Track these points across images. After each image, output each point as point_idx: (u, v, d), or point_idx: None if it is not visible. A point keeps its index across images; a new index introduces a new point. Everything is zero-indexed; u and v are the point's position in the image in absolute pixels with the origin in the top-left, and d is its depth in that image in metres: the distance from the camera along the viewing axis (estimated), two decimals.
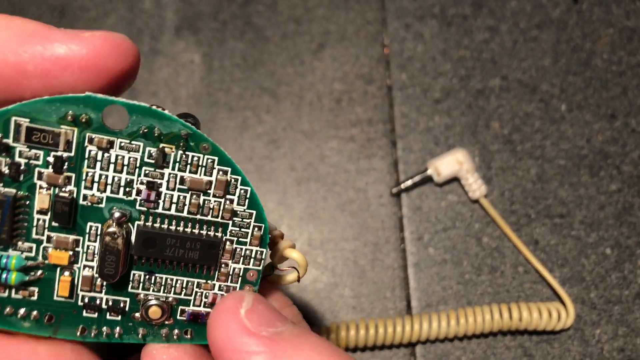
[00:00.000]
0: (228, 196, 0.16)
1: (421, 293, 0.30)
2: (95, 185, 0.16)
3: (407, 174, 0.32)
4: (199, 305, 0.17)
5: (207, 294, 0.17)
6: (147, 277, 0.17)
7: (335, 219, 0.31)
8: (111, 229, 0.16)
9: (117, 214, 0.16)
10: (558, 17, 0.34)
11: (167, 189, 0.16)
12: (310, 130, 0.33)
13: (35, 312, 0.16)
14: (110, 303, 0.17)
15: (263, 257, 0.17)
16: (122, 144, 0.16)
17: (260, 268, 0.17)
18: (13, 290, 0.16)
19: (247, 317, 0.15)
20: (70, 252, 0.16)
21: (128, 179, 0.16)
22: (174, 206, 0.16)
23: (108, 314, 0.17)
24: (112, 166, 0.16)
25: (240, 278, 0.17)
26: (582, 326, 0.30)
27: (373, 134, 0.33)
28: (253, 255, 0.17)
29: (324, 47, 0.34)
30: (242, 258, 0.17)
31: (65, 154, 0.15)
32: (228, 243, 0.17)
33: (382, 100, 0.33)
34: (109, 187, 0.16)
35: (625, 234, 0.31)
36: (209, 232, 0.17)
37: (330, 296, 0.30)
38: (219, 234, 0.17)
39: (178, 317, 0.17)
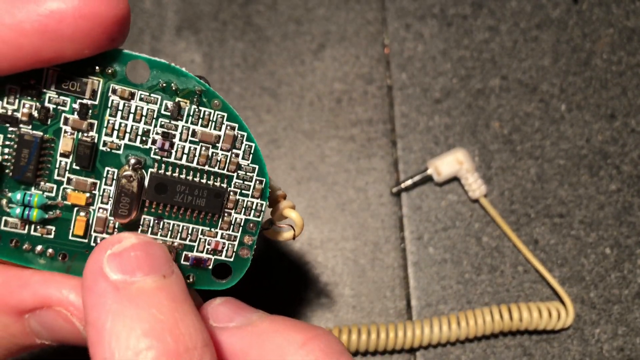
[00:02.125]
0: (234, 150, 0.18)
1: (421, 292, 0.30)
2: (115, 132, 0.17)
3: (407, 173, 0.32)
4: (202, 252, 0.19)
5: (210, 241, 0.19)
6: (156, 221, 0.18)
7: (335, 218, 0.31)
8: (127, 173, 0.17)
9: (133, 160, 0.17)
10: (558, 17, 0.34)
11: (180, 140, 0.17)
12: (311, 130, 0.33)
13: (50, 250, 0.18)
14: None
15: (263, 209, 0.19)
16: (142, 96, 0.17)
17: (260, 219, 0.19)
18: (32, 227, 0.17)
19: (108, 259, 0.16)
20: (88, 194, 0.18)
21: (145, 129, 0.17)
22: (185, 156, 0.18)
23: None
24: (131, 116, 0.17)
25: (241, 227, 0.19)
26: (581, 326, 0.30)
27: (373, 134, 0.33)
28: (254, 207, 0.19)
29: (324, 47, 0.34)
30: (243, 209, 0.18)
31: (90, 102, 0.17)
32: (232, 194, 0.18)
33: (382, 100, 0.33)
34: (127, 135, 0.17)
35: (625, 234, 0.31)
36: (215, 183, 0.18)
37: (330, 296, 0.30)
38: (224, 185, 0.18)
39: (182, 262, 0.19)
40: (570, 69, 0.34)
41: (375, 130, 0.33)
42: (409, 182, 0.32)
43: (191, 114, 0.17)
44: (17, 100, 0.16)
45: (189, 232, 0.18)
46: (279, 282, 0.31)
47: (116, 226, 0.18)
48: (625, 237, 0.31)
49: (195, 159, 0.18)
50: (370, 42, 0.34)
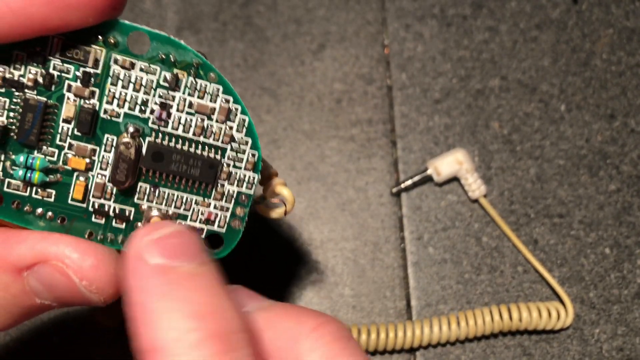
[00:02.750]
0: (228, 122, 0.18)
1: (421, 292, 0.31)
2: (116, 101, 0.18)
3: (407, 173, 0.32)
4: (195, 221, 0.19)
5: (203, 211, 0.19)
6: (152, 189, 0.19)
7: (335, 218, 0.32)
8: (125, 139, 0.18)
9: (131, 128, 0.18)
10: (558, 17, 0.34)
11: (177, 110, 0.18)
12: (311, 130, 0.33)
13: (50, 213, 0.18)
14: (117, 211, 0.19)
15: (255, 182, 0.19)
16: (142, 67, 0.17)
17: (252, 192, 0.19)
18: (34, 190, 0.18)
19: (148, 245, 0.16)
20: (87, 160, 0.18)
21: (144, 99, 0.18)
22: (181, 127, 0.18)
23: (114, 221, 0.19)
24: (131, 85, 0.18)
25: (233, 199, 0.19)
26: (581, 325, 0.30)
27: (373, 134, 0.33)
28: (246, 180, 0.19)
29: (324, 47, 0.34)
30: (236, 181, 0.19)
31: (92, 70, 0.17)
32: (225, 165, 0.19)
33: (382, 100, 0.33)
34: (127, 104, 0.18)
35: (625, 234, 0.31)
36: (209, 154, 0.19)
37: (330, 295, 0.31)
38: (218, 157, 0.19)
39: None
40: (570, 69, 0.34)
41: (375, 131, 0.33)
42: (409, 182, 0.32)
43: (188, 85, 0.18)
44: (23, 66, 0.17)
45: (183, 201, 0.19)
46: (278, 282, 0.31)
47: (114, 192, 0.18)
48: (625, 237, 0.31)
49: (191, 129, 0.18)
50: (370, 43, 0.34)
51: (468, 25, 0.34)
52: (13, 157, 0.18)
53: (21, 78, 0.17)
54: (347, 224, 0.31)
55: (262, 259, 0.31)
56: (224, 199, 0.19)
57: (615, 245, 0.31)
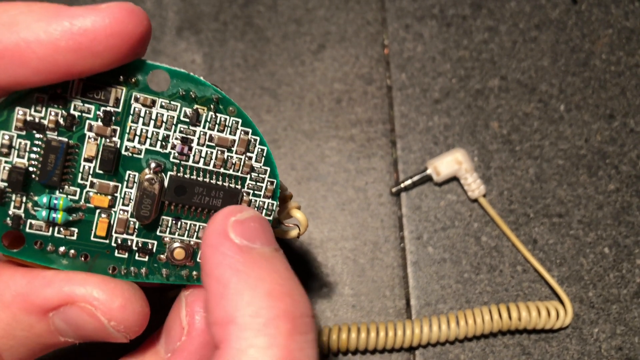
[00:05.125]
0: (248, 153, 0.19)
1: (420, 292, 0.31)
2: (137, 138, 0.18)
3: (407, 173, 0.32)
4: None
5: None
6: (174, 222, 0.19)
7: (335, 218, 0.32)
8: (149, 176, 0.18)
9: (153, 164, 0.18)
10: (557, 17, 0.35)
11: (198, 144, 0.18)
12: (311, 130, 0.33)
13: (73, 251, 0.18)
14: (140, 245, 0.19)
15: (274, 208, 0.20)
16: (163, 104, 0.18)
17: (271, 218, 0.20)
18: (56, 229, 0.18)
19: (232, 225, 0.17)
20: (110, 197, 0.18)
21: (165, 134, 0.18)
22: (202, 160, 0.19)
23: (137, 254, 0.19)
24: (152, 122, 0.18)
25: None
26: (580, 325, 0.30)
27: (373, 134, 0.33)
28: (265, 207, 0.20)
29: (324, 47, 0.34)
30: (256, 208, 0.20)
31: (113, 109, 0.17)
32: (245, 194, 0.19)
33: (382, 100, 0.33)
34: (148, 140, 0.18)
35: (624, 234, 0.31)
36: (230, 184, 0.19)
37: (330, 295, 0.31)
38: (239, 186, 0.19)
39: (198, 259, 0.20)
40: (569, 69, 0.34)
41: (375, 130, 0.33)
42: (409, 182, 0.32)
43: (208, 120, 0.18)
44: (44, 109, 0.17)
45: None
46: None
47: (136, 227, 0.19)
48: (624, 237, 0.31)
49: (212, 162, 0.19)
50: (370, 43, 0.34)
51: (468, 25, 0.34)
52: (35, 198, 0.18)
53: (42, 120, 0.17)
54: (346, 224, 0.32)
55: None
56: None
57: (614, 244, 0.31)
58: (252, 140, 0.19)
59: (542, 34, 0.34)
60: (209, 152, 0.18)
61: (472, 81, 0.34)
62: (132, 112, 0.18)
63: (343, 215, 0.32)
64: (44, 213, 0.18)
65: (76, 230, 0.18)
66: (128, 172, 0.18)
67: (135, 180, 0.18)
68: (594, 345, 0.30)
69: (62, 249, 0.18)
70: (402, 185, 0.32)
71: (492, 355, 0.30)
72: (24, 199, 0.17)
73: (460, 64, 0.34)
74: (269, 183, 0.19)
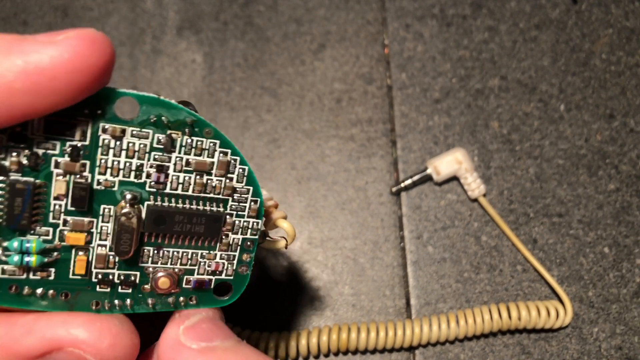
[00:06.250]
0: (228, 175, 0.18)
1: (420, 291, 0.31)
2: (109, 170, 0.17)
3: (407, 173, 0.32)
4: (203, 274, 0.19)
5: (210, 263, 0.19)
6: (155, 251, 0.18)
7: (335, 217, 0.32)
8: (126, 210, 0.17)
9: (128, 196, 0.17)
10: (557, 17, 0.35)
11: (175, 171, 0.17)
12: (311, 130, 0.33)
13: (52, 291, 0.17)
14: (122, 277, 0.18)
15: (259, 227, 0.19)
16: (134, 132, 0.17)
17: (257, 237, 0.19)
18: (32, 272, 0.17)
19: (184, 332, 0.17)
20: (86, 233, 0.17)
21: (138, 164, 0.17)
22: (180, 186, 0.18)
23: (120, 287, 0.18)
24: (124, 153, 0.17)
25: (239, 247, 0.19)
26: (580, 324, 0.30)
27: (373, 134, 0.33)
28: (250, 226, 0.19)
29: (324, 47, 0.34)
30: (240, 229, 0.19)
31: (80, 143, 0.16)
32: (229, 217, 0.18)
33: (382, 100, 0.33)
34: (121, 172, 0.17)
35: (623, 233, 0.31)
36: (212, 208, 0.18)
37: (330, 294, 0.31)
38: (221, 209, 0.18)
39: (184, 285, 0.19)
40: (570, 69, 0.34)
41: (375, 130, 0.33)
42: (409, 181, 0.32)
43: (184, 144, 0.17)
44: (3, 150, 0.16)
45: (189, 257, 0.19)
46: (279, 281, 0.31)
47: (117, 260, 0.18)
48: (624, 237, 0.31)
49: (191, 187, 0.18)
50: (370, 42, 0.34)
51: (468, 25, 0.34)
52: (5, 244, 0.16)
53: (3, 162, 0.16)
54: (347, 223, 0.32)
55: (262, 259, 0.31)
56: (230, 248, 0.19)
57: (614, 244, 0.31)
58: (232, 160, 0.18)
59: (542, 33, 0.34)
60: (187, 178, 0.17)
61: (472, 81, 0.34)
62: (101, 144, 0.16)
63: (343, 215, 0.32)
64: (16, 258, 0.16)
65: (53, 270, 0.17)
66: (103, 206, 0.17)
67: (111, 213, 0.17)
68: (593, 345, 0.30)
69: (39, 290, 0.17)
70: (402, 184, 0.32)
71: (492, 355, 0.30)
72: None
73: (460, 63, 0.34)
74: (252, 202, 0.18)
